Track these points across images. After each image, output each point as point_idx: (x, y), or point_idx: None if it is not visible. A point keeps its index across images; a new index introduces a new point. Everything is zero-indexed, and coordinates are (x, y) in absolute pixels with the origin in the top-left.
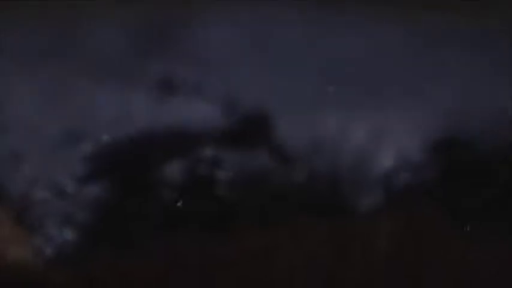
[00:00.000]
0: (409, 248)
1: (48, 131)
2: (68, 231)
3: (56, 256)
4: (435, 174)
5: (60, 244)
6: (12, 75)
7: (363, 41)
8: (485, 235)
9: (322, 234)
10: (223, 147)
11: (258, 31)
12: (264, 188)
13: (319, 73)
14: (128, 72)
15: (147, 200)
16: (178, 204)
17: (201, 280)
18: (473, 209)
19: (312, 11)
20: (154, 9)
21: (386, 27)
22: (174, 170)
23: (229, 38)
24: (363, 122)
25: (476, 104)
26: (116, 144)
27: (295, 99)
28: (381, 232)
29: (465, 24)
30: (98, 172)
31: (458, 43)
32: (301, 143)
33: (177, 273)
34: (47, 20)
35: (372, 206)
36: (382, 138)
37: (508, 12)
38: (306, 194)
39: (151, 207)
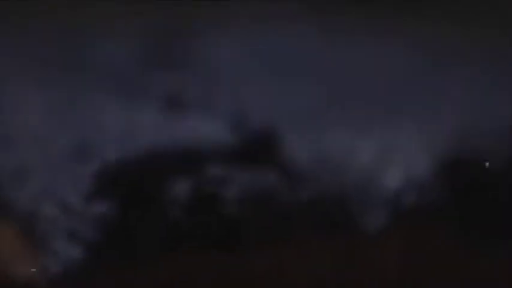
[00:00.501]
0: (416, 266)
1: (55, 147)
2: (73, 248)
3: (61, 273)
4: (443, 192)
5: (65, 261)
6: (20, 90)
7: (371, 60)
8: (493, 251)
9: (328, 252)
10: (230, 165)
11: (267, 48)
12: (271, 205)
13: (327, 91)
14: (136, 88)
15: (153, 217)
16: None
17: None
18: (481, 226)
19: (320, 28)
20: (164, 24)
21: (394, 45)
22: (180, 187)
23: (238, 55)
24: (370, 140)
25: (483, 122)
26: (123, 161)
27: (303, 117)
28: (387, 250)
29: (472, 40)
30: (104, 189)
31: (465, 59)
32: (308, 161)
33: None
34: (56, 32)
35: (378, 224)
36: (389, 156)
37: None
38: (313, 212)
39: (157, 224)
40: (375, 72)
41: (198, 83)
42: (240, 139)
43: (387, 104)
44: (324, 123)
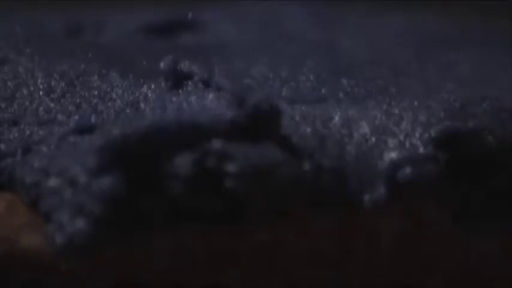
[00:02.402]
0: (413, 242)
1: (60, 123)
2: (78, 220)
3: (66, 245)
4: (440, 169)
5: (70, 233)
6: (24, 67)
7: (371, 37)
8: (487, 229)
9: (328, 227)
10: (231, 140)
11: (268, 25)
12: (272, 181)
13: (327, 67)
14: (138, 66)
15: (155, 191)
16: None
17: (208, 272)
18: (476, 203)
19: (321, 6)
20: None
21: (394, 24)
22: (182, 161)
23: (240, 32)
24: (369, 116)
25: (481, 99)
26: (125, 136)
27: (303, 92)
28: (385, 226)
29: (469, 23)
30: (108, 163)
31: (464, 41)
32: (308, 136)
33: (184, 264)
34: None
35: (377, 199)
36: (388, 132)
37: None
38: (313, 187)
39: (159, 198)
40: (375, 51)
41: (198, 59)
42: (240, 114)
43: (386, 81)
44: (323, 98)
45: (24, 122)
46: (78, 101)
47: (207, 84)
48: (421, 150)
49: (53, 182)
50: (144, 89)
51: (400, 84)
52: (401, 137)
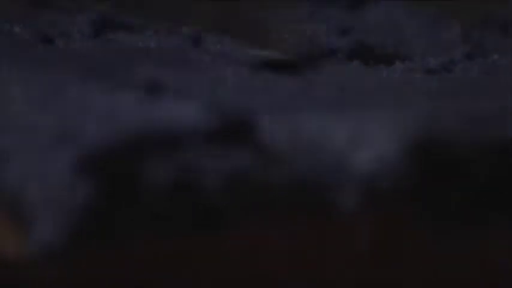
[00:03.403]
0: (387, 246)
1: (40, 131)
2: (55, 229)
3: (44, 253)
4: (413, 174)
5: (48, 242)
6: (5, 76)
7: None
8: (461, 234)
9: (303, 232)
10: (206, 147)
11: None
12: (247, 186)
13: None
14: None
15: (131, 198)
16: None
17: (184, 278)
18: (449, 208)
19: None
20: None
21: None
22: (158, 169)
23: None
24: (343, 123)
25: (453, 104)
26: (103, 144)
27: (278, 100)
28: (359, 230)
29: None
30: (84, 171)
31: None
32: (282, 143)
33: (162, 270)
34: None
35: (350, 204)
36: (361, 138)
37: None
38: (287, 192)
39: (136, 206)
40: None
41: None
42: (215, 121)
43: (359, 88)
44: (298, 105)
45: (1, 131)
46: (53, 110)
47: (182, 93)
48: (395, 156)
49: (30, 191)
50: (120, 98)
51: (374, 92)
52: (376, 143)
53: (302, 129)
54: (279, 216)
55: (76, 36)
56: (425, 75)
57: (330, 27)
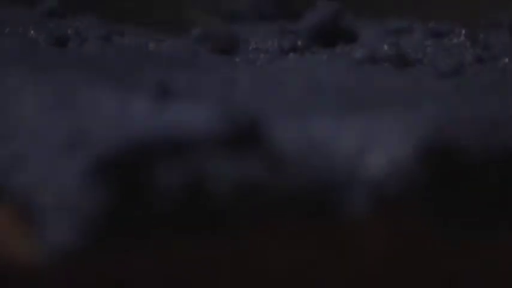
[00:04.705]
0: (398, 254)
1: (51, 135)
2: (66, 234)
3: (55, 257)
4: (425, 182)
5: (59, 246)
6: (16, 81)
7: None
8: (473, 242)
9: (311, 239)
10: (215, 153)
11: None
12: (255, 192)
13: (310, 81)
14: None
15: (140, 204)
16: None
17: (192, 281)
18: (461, 217)
19: None
20: None
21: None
22: (167, 175)
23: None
24: (354, 129)
25: (466, 109)
26: (112, 149)
27: (286, 106)
28: (369, 238)
29: None
30: (96, 177)
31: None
32: (291, 149)
33: (169, 273)
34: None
35: (361, 211)
36: (371, 142)
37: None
38: (296, 198)
39: (145, 211)
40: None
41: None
42: (224, 127)
43: (371, 94)
44: (307, 111)
45: (12, 136)
46: (66, 114)
47: (192, 97)
48: (408, 162)
49: (44, 195)
50: (131, 101)
51: (387, 97)
52: (387, 150)
53: (312, 133)
54: (288, 223)
55: (89, 40)
56: (435, 79)
57: None
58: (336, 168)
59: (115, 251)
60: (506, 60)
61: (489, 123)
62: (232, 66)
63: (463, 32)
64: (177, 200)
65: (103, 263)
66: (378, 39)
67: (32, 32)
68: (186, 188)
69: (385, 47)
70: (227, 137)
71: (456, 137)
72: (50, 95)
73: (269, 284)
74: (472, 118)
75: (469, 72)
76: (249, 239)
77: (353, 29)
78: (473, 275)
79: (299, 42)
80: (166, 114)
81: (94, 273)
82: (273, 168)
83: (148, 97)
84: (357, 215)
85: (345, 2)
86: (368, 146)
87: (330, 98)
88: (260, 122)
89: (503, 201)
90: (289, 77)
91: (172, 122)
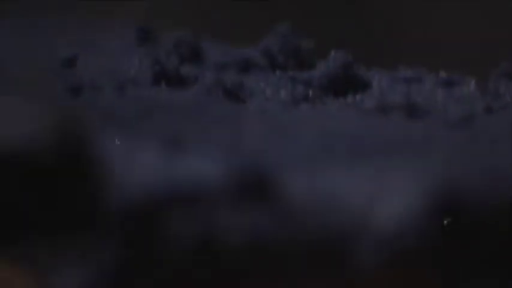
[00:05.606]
0: None
1: None
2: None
3: None
4: (435, 235)
5: None
6: None
7: None
8: None
9: None
10: (222, 205)
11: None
12: (264, 245)
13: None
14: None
15: (149, 257)
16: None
17: None
18: (471, 270)
19: None
20: None
21: None
22: (175, 226)
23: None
24: (362, 180)
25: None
26: (122, 201)
27: (295, 156)
28: None
29: None
30: (102, 229)
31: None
32: (299, 201)
33: None
34: None
35: (371, 264)
36: (382, 196)
37: None
38: (305, 251)
39: (154, 264)
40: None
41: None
42: (234, 178)
43: (379, 143)
44: (316, 162)
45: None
46: None
47: (200, 149)
48: (417, 216)
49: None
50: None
51: (394, 148)
52: (396, 201)
53: (321, 184)
54: (298, 276)
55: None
56: (445, 130)
57: None
58: (346, 221)
59: None
60: None
61: (499, 173)
62: (244, 116)
63: (473, 81)
64: (188, 250)
65: None
66: (388, 88)
67: None
68: (195, 240)
69: (396, 96)
70: (236, 190)
71: (466, 188)
72: None
73: None
74: (482, 168)
75: (479, 122)
76: None
77: (364, 78)
78: None
79: (310, 92)
80: (175, 166)
81: None
82: (283, 221)
83: (158, 147)
84: (367, 267)
85: (356, 51)
86: (378, 197)
87: (341, 149)
88: (269, 174)
89: None
90: (300, 126)
91: (181, 174)
